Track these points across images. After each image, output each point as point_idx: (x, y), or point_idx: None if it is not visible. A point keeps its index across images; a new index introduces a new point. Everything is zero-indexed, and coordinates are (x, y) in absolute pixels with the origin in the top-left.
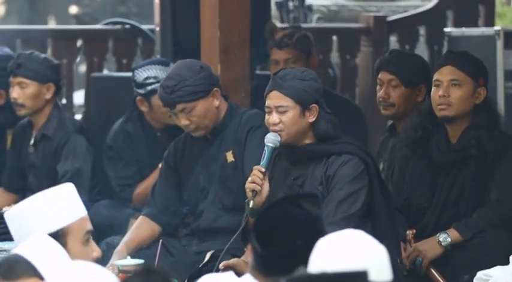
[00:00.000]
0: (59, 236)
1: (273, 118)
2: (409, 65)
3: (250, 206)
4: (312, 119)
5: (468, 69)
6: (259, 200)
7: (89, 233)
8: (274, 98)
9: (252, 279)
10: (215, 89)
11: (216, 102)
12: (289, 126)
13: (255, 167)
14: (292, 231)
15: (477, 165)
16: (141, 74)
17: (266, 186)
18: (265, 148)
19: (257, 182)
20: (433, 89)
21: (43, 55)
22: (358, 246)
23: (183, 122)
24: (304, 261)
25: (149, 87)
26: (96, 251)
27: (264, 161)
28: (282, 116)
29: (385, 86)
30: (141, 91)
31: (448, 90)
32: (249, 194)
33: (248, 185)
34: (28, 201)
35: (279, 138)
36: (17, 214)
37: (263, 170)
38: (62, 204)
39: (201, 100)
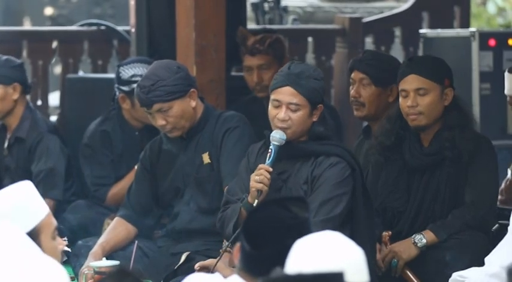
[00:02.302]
0: (33, 235)
1: (282, 114)
2: (381, 64)
3: (255, 205)
4: (315, 118)
5: (432, 75)
6: (263, 199)
7: (56, 229)
8: (288, 94)
9: (239, 279)
10: (192, 89)
11: (193, 103)
12: (297, 124)
13: (261, 166)
14: (282, 233)
15: (451, 167)
16: (127, 72)
17: None
18: (271, 147)
19: (265, 183)
20: (400, 98)
21: (4, 57)
22: (335, 248)
23: (160, 122)
24: None
25: (134, 85)
26: (61, 243)
27: (270, 160)
28: (293, 114)
29: (356, 85)
30: (126, 88)
31: (415, 100)
32: (254, 193)
33: (255, 185)
34: None
35: (284, 137)
36: None
37: (270, 169)
38: (30, 202)
39: (178, 100)
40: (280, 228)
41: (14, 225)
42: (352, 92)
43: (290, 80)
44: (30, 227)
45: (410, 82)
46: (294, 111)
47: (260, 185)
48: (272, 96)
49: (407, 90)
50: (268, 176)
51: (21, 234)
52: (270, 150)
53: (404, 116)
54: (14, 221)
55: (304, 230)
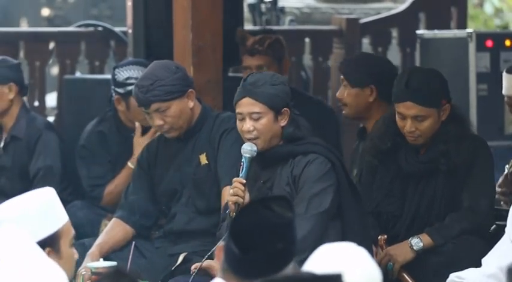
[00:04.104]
0: (54, 238)
1: (246, 125)
2: (357, 65)
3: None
4: (283, 122)
5: (429, 102)
6: None
7: (73, 238)
8: (247, 105)
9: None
10: (190, 90)
11: (191, 104)
12: (264, 133)
13: (235, 179)
14: (269, 234)
15: (446, 177)
16: (123, 74)
17: (247, 197)
18: (243, 159)
19: (239, 195)
20: (397, 117)
21: (0, 57)
22: (351, 261)
23: (157, 122)
24: (285, 264)
25: (129, 87)
26: (76, 253)
27: (243, 172)
28: (256, 123)
29: (341, 87)
30: (121, 90)
31: (414, 125)
32: (232, 206)
33: (231, 198)
34: (17, 204)
35: (255, 148)
36: (7, 219)
37: (244, 181)
38: (53, 206)
39: (176, 100)
40: (266, 228)
41: (27, 229)
42: (337, 93)
43: (246, 91)
44: (52, 230)
45: (408, 108)
46: (257, 120)
47: (235, 198)
48: (236, 111)
49: (404, 115)
50: (242, 188)
51: (28, 239)
52: (241, 163)
53: (402, 133)
54: (36, 223)
55: (291, 230)
